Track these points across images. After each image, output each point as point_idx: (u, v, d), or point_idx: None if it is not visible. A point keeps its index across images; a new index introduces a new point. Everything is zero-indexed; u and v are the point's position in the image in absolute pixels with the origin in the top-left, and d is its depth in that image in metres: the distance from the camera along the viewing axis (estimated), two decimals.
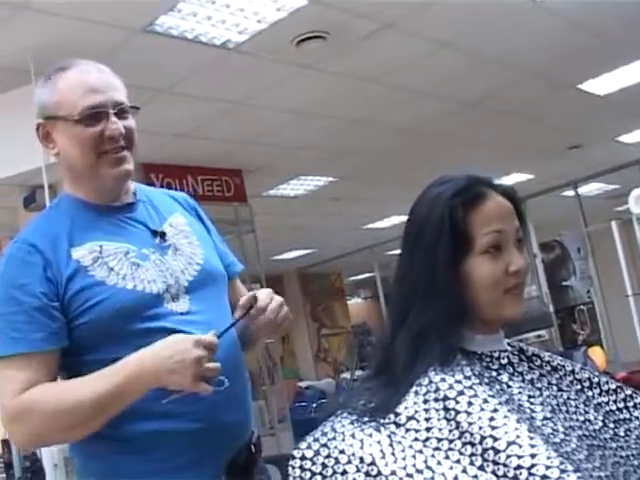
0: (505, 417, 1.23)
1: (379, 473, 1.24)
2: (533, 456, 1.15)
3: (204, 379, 1.57)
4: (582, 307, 9.23)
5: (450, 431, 1.26)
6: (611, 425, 1.44)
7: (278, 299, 1.84)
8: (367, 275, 15.76)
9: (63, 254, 1.70)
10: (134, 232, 1.81)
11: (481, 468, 1.20)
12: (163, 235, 1.84)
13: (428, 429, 1.28)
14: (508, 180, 9.97)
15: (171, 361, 1.55)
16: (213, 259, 1.92)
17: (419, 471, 1.23)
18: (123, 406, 1.60)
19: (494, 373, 1.41)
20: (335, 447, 1.32)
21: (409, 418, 1.31)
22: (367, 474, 1.25)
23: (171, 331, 1.67)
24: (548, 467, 1.13)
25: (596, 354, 7.36)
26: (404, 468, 1.24)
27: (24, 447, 1.51)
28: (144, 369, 1.58)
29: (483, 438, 1.21)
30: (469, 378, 1.32)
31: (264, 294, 1.83)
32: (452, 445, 1.25)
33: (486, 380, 1.35)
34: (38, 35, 4.45)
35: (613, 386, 1.53)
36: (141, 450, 1.67)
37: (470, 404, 1.27)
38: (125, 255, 1.74)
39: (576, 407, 1.44)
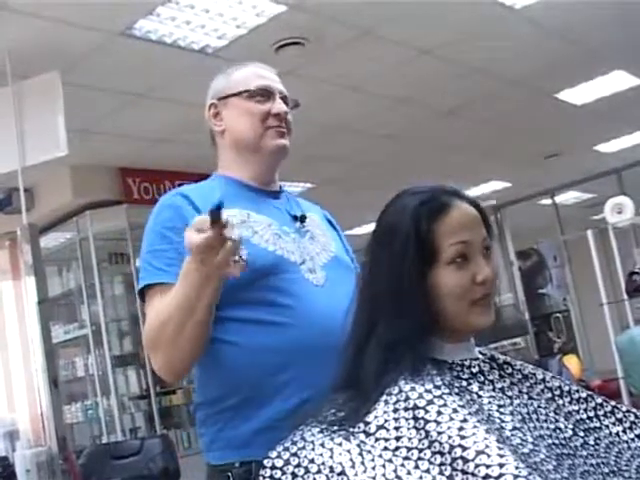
0: (474, 427, 1.23)
1: None
2: (501, 466, 1.15)
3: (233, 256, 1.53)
4: (558, 315, 9.23)
5: (420, 440, 1.26)
6: (581, 434, 1.44)
7: None
8: None
9: None
10: (277, 213, 1.93)
11: (450, 478, 1.20)
12: (303, 220, 1.96)
13: (398, 438, 1.28)
14: (486, 188, 10.02)
15: (192, 264, 1.55)
16: (345, 255, 2.03)
17: None
18: (207, 303, 1.60)
19: (464, 382, 1.40)
20: (305, 456, 1.31)
21: (379, 427, 1.31)
22: None
23: (306, 298, 1.76)
24: (516, 477, 1.13)
25: (571, 362, 7.38)
26: (374, 478, 1.24)
27: (164, 375, 1.60)
28: (190, 281, 1.58)
29: (452, 447, 1.21)
30: (439, 387, 1.32)
31: None
32: (422, 454, 1.24)
33: (456, 390, 1.35)
34: (15, 36, 4.43)
35: (584, 395, 1.54)
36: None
37: (439, 413, 1.26)
38: (269, 226, 1.86)
39: (546, 415, 1.44)
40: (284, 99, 2.00)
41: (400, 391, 1.33)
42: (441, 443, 1.23)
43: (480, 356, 1.50)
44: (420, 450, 1.25)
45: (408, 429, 1.28)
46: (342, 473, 1.25)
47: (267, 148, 1.95)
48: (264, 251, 1.78)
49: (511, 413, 1.37)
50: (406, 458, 1.25)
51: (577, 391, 1.54)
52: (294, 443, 1.35)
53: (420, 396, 1.30)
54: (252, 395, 1.72)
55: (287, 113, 1.99)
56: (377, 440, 1.29)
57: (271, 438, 1.46)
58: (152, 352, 1.71)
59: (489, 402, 1.37)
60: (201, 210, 1.77)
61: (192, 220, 1.68)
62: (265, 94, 1.96)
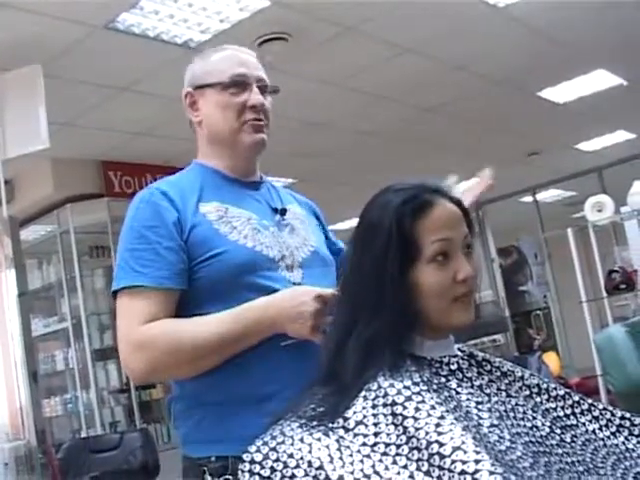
0: (452, 424, 1.24)
1: (327, 478, 1.24)
2: (477, 462, 1.16)
3: (320, 329, 1.63)
4: (538, 312, 9.29)
5: (398, 436, 1.26)
6: (558, 431, 1.45)
7: None
8: None
9: (191, 205, 1.80)
10: (257, 206, 1.91)
11: (427, 473, 1.20)
12: (283, 213, 1.94)
13: (376, 434, 1.29)
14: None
15: (293, 312, 1.64)
16: (325, 248, 2.01)
17: (367, 476, 1.23)
18: (242, 348, 1.68)
19: (443, 379, 1.41)
20: (284, 451, 1.31)
21: (358, 423, 1.31)
22: (315, 478, 1.25)
23: None
24: (492, 473, 1.14)
25: (550, 359, 7.41)
26: (352, 473, 1.24)
27: (139, 377, 1.62)
28: (267, 317, 1.66)
29: (429, 443, 1.22)
30: (417, 384, 1.33)
31: None
32: (400, 450, 1.25)
33: (435, 386, 1.36)
34: None
35: (562, 392, 1.55)
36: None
37: (417, 410, 1.27)
38: (247, 220, 1.84)
39: (524, 413, 1.45)
40: (262, 87, 1.93)
41: (379, 387, 1.33)
42: (419, 439, 1.24)
43: (459, 353, 1.51)
44: (398, 446, 1.26)
45: (386, 425, 1.29)
46: (320, 468, 1.26)
47: (243, 144, 1.90)
48: (243, 248, 1.77)
49: (489, 410, 1.38)
50: (384, 454, 1.26)
51: (555, 389, 1.55)
52: (273, 438, 1.35)
53: (399, 392, 1.31)
54: (229, 394, 1.72)
55: (264, 105, 1.91)
56: (356, 436, 1.30)
57: (249, 435, 1.47)
58: (151, 357, 1.68)
59: (467, 399, 1.38)
60: (179, 209, 1.77)
61: (169, 217, 1.75)
62: (241, 84, 1.89)
